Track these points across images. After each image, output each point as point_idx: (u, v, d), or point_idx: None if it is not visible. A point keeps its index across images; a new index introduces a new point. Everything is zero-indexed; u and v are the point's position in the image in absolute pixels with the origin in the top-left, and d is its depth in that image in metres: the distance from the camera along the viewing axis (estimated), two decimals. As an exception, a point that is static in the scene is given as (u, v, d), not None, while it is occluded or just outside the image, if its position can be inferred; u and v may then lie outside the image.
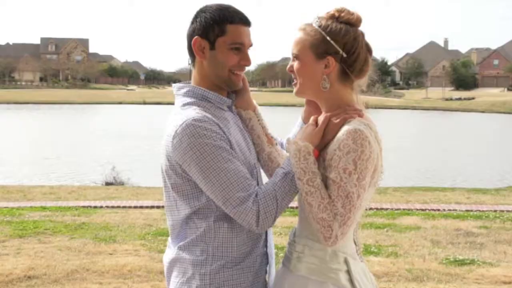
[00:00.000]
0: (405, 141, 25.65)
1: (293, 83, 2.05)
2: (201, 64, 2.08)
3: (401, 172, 15.73)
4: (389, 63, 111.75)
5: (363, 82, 2.04)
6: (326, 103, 2.02)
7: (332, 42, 1.95)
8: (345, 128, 1.89)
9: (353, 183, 1.84)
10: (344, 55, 1.95)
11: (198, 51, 2.06)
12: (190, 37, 2.08)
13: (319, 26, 1.97)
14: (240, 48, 2.06)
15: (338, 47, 1.95)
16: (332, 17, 1.98)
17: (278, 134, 2.37)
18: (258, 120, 2.21)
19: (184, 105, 2.06)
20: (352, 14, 1.98)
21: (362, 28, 2.01)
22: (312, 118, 2.02)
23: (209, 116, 1.99)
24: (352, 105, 1.99)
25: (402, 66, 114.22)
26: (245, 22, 2.08)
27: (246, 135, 2.15)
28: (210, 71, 2.07)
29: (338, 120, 1.93)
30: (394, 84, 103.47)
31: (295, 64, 2.02)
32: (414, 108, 59.82)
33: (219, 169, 1.92)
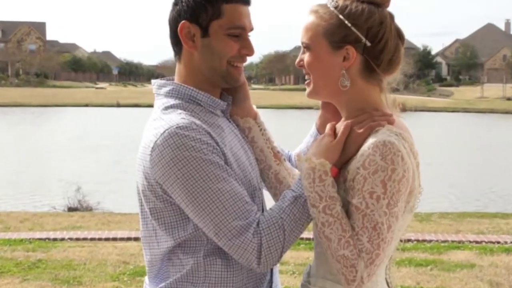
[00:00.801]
0: (454, 153, 25.57)
1: (306, 81, 2.06)
2: (190, 56, 2.10)
3: (449, 194, 15.68)
4: (433, 53, 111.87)
5: (394, 78, 2.04)
6: (346, 107, 2.02)
7: (352, 27, 1.95)
8: (371, 140, 1.88)
9: (382, 211, 1.84)
10: (368, 43, 1.96)
11: (187, 39, 2.08)
12: (174, 22, 2.10)
13: (335, 8, 1.98)
14: (240, 34, 2.08)
15: (360, 33, 1.95)
16: None
17: (287, 145, 2.37)
18: (260, 130, 2.22)
19: (166, 108, 2.07)
20: None
21: (391, 8, 2.01)
22: (328, 126, 2.02)
23: (198, 122, 2.00)
24: (380, 108, 1.99)
25: (450, 57, 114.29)
26: (244, 0, 2.10)
27: (246, 147, 2.16)
28: (203, 64, 2.09)
29: (362, 130, 1.93)
30: (440, 79, 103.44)
31: (306, 57, 2.02)
32: (465, 110, 59.70)
33: (210, 190, 1.93)
